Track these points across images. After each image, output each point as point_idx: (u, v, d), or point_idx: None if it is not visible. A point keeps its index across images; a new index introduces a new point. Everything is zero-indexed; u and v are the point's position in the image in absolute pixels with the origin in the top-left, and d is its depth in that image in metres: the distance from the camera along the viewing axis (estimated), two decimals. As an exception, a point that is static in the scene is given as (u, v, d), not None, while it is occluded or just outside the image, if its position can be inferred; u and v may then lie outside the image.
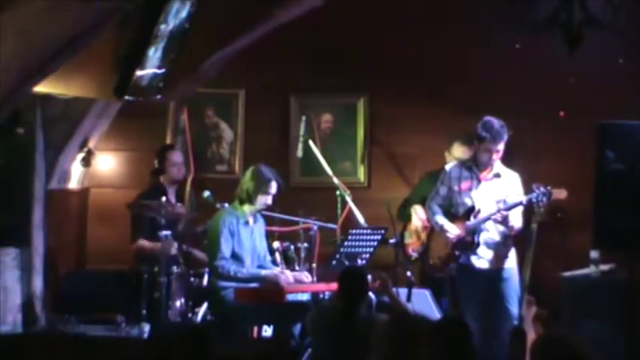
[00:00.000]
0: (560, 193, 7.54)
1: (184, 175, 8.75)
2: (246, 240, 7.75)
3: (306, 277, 7.80)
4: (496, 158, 7.66)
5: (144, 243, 8.34)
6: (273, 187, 7.74)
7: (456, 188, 7.77)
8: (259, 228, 7.91)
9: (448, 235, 7.72)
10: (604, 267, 8.13)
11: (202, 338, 5.13)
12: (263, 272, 7.72)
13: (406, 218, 8.73)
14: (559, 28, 8.41)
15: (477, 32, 9.00)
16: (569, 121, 8.85)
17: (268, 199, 7.75)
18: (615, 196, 7.04)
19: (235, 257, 7.69)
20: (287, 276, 7.68)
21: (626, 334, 7.10)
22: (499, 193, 7.69)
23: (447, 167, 7.95)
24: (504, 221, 7.57)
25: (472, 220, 7.65)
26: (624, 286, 7.24)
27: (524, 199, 7.54)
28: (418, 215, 8.56)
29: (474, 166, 7.75)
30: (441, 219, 7.79)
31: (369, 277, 6.74)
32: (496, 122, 7.58)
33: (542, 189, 7.45)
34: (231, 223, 7.69)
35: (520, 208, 7.64)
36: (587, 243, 7.82)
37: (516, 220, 7.65)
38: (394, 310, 6.73)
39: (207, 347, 5.14)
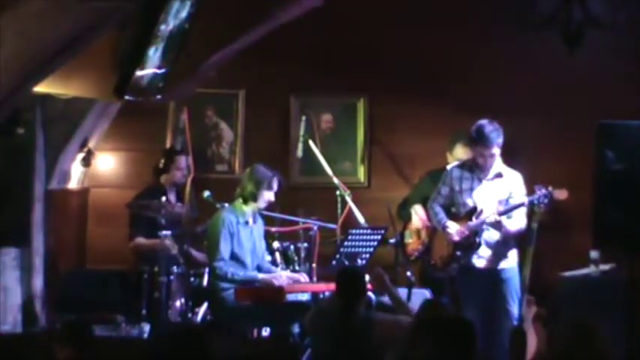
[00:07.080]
0: (562, 194, 7.52)
1: (186, 180, 8.76)
2: (246, 240, 7.75)
3: (303, 277, 7.80)
4: (492, 161, 7.63)
5: (140, 240, 8.35)
6: (276, 183, 7.76)
7: (457, 188, 7.75)
8: (258, 228, 7.91)
9: (450, 232, 7.68)
10: (604, 267, 8.13)
11: (201, 338, 5.13)
12: (260, 276, 7.70)
13: (406, 217, 8.72)
14: (559, 28, 8.43)
15: (478, 32, 9.00)
16: (569, 121, 8.84)
17: (272, 196, 7.76)
18: (615, 196, 7.04)
19: (235, 258, 7.68)
20: (282, 280, 7.67)
21: (626, 334, 7.09)
22: (501, 193, 7.67)
23: (449, 167, 7.94)
24: (497, 225, 7.55)
25: (474, 221, 7.64)
26: (624, 286, 7.23)
27: (525, 200, 7.52)
28: (418, 215, 8.56)
29: (476, 167, 7.73)
30: (443, 219, 7.78)
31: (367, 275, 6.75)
32: (488, 126, 7.49)
33: (543, 191, 7.43)
34: (230, 222, 7.69)
35: (524, 209, 7.62)
36: (587, 243, 7.82)
37: (520, 220, 7.62)
38: (396, 306, 6.72)
39: (205, 347, 5.13)
